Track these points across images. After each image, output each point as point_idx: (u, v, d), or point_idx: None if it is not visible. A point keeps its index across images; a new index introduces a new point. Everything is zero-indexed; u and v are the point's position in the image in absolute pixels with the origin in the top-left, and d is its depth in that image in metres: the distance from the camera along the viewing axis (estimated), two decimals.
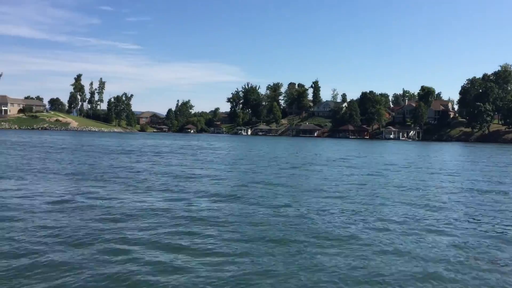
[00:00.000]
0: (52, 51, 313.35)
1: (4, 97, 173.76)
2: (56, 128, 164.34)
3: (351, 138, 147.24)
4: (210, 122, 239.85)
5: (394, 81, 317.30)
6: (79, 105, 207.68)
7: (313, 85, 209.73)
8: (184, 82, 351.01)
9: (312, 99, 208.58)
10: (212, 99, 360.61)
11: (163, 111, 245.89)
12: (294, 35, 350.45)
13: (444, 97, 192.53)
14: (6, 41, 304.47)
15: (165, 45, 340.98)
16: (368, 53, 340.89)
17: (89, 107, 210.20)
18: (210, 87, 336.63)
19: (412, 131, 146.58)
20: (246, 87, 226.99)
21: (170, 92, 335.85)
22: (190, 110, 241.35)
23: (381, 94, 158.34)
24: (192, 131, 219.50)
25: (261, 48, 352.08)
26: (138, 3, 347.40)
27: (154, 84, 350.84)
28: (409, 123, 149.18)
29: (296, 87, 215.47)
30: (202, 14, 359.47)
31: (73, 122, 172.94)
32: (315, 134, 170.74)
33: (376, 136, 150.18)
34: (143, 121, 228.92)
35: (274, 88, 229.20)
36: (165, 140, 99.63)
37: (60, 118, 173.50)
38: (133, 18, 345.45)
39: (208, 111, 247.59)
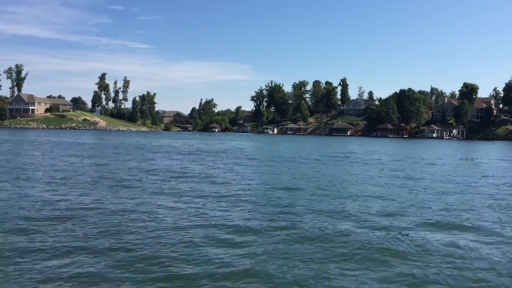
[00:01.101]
0: (64, 51, 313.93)
1: (31, 96, 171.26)
2: (84, 128, 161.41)
3: (390, 137, 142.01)
4: (234, 121, 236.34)
5: (417, 79, 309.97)
6: (103, 104, 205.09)
7: (341, 83, 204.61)
8: (195, 81, 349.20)
9: (340, 97, 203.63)
10: (224, 97, 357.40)
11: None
12: (305, 33, 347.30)
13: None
14: (19, 41, 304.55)
15: (175, 44, 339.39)
16: (387, 51, 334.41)
17: (113, 106, 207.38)
18: (221, 85, 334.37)
19: (455, 130, 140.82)
20: (270, 85, 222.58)
21: (181, 91, 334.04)
22: (214, 109, 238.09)
23: (420, 92, 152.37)
24: (216, 130, 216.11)
25: (271, 46, 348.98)
26: (149, 2, 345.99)
27: (164, 83, 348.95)
28: (451, 122, 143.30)
29: (324, 85, 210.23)
30: (212, 13, 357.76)
31: (101, 121, 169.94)
32: (348, 133, 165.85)
33: (416, 135, 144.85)
34: (166, 120, 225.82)
35: (300, 86, 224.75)
36: (205, 140, 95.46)
37: (88, 118, 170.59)
38: (143, 17, 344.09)
39: (224, 109, 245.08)
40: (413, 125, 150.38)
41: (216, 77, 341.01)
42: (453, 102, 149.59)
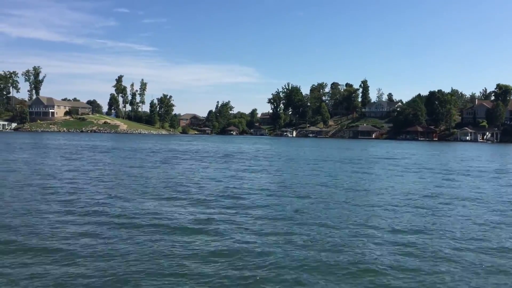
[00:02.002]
0: (70, 54, 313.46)
1: (50, 99, 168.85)
2: (105, 131, 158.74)
3: (420, 140, 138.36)
4: (250, 124, 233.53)
5: (435, 81, 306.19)
6: (121, 107, 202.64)
7: (361, 84, 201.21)
8: (200, 84, 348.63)
9: (360, 99, 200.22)
10: (229, 100, 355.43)
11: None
12: (309, 36, 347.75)
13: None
14: (25, 44, 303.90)
15: (180, 46, 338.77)
16: (403, 53, 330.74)
17: (130, 109, 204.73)
18: (226, 88, 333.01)
19: (488, 133, 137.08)
20: (287, 87, 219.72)
21: (186, 94, 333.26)
22: (230, 112, 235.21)
23: (450, 93, 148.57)
24: (234, 133, 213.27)
25: (276, 49, 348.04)
26: (154, 5, 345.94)
27: (170, 85, 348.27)
28: (483, 124, 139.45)
29: (345, 87, 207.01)
30: (216, 15, 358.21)
31: (121, 124, 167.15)
32: (373, 136, 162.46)
33: (446, 138, 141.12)
34: (183, 123, 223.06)
35: (318, 89, 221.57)
36: (230, 143, 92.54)
37: (108, 121, 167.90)
38: (149, 20, 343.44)
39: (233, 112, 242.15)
40: (442, 127, 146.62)
41: (221, 79, 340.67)
42: (484, 104, 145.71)
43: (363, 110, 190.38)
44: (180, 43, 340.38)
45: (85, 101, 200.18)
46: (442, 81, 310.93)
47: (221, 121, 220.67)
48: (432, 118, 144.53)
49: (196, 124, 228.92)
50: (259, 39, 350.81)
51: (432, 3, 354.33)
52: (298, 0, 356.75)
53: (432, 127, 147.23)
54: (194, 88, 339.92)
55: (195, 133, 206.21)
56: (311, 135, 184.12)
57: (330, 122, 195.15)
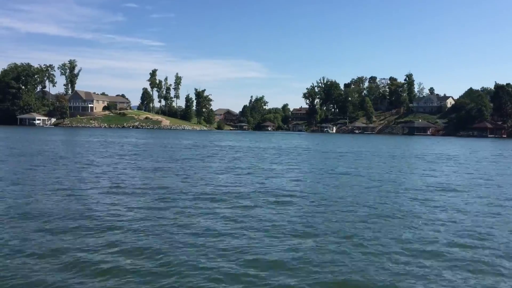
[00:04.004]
0: (79, 49, 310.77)
1: (88, 93, 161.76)
2: (148, 127, 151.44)
3: (489, 137, 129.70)
4: (284, 119, 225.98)
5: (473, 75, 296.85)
6: (155, 101, 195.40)
7: (406, 79, 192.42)
8: (208, 79, 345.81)
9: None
10: (237, 96, 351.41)
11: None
12: (318, 31, 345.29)
13: None
14: (34, 39, 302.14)
15: (188, 41, 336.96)
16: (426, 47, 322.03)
17: (164, 104, 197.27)
18: (234, 83, 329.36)
19: None
20: (322, 81, 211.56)
21: (193, 89, 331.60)
22: (265, 107, 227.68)
23: None
24: (270, 129, 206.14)
25: (284, 44, 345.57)
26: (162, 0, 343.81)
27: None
28: None
29: (388, 81, 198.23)
30: (224, 10, 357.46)
31: (164, 120, 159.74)
32: (428, 132, 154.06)
33: None
34: (217, 118, 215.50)
35: (358, 83, 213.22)
36: (285, 140, 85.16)
37: (149, 116, 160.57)
38: (157, 15, 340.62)
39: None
40: (510, 123, 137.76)
41: (228, 74, 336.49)
42: None
43: (411, 105, 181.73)
44: (188, 38, 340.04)
45: None
46: (489, 75, 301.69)
47: (255, 117, 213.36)
48: (500, 113, 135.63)
49: (230, 120, 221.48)
50: (267, 34, 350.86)
51: None
52: None
53: (500, 123, 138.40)
54: (202, 83, 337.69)
55: (230, 129, 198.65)
56: (357, 131, 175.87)
57: (373, 118, 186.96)
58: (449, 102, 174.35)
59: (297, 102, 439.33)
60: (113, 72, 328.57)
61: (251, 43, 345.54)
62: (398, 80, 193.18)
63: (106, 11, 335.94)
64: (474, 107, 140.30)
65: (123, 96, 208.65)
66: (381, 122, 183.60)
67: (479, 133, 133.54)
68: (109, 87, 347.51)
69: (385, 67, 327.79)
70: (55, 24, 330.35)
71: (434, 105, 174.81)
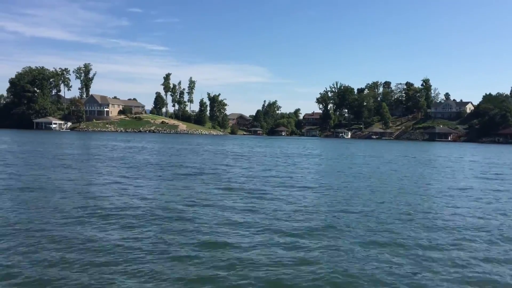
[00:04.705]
0: (83, 53, 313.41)
1: (104, 97, 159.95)
2: (165, 131, 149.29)
3: None
4: (297, 124, 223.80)
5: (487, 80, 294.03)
6: (168, 106, 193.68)
7: (423, 84, 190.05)
8: (212, 83, 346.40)
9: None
10: (242, 100, 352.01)
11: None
12: (322, 35, 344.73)
13: None
14: (39, 43, 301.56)
15: (192, 46, 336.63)
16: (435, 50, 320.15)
17: (177, 108, 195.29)
18: (238, 88, 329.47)
19: None
20: (336, 86, 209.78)
21: (198, 93, 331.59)
22: (278, 111, 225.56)
23: None
24: (284, 134, 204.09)
25: (288, 49, 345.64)
26: (166, 4, 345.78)
27: (182, 85, 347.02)
28: None
29: (405, 86, 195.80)
30: (228, 15, 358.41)
31: (180, 124, 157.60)
32: (449, 138, 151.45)
33: None
34: (230, 123, 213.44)
35: (373, 87, 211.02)
36: (307, 146, 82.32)
37: (166, 120, 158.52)
38: (161, 19, 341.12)
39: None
40: None
41: (232, 79, 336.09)
42: None
43: (429, 110, 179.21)
44: (192, 43, 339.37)
45: None
46: (504, 80, 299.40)
47: (268, 121, 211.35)
48: None
49: (243, 124, 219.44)
50: (270, 39, 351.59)
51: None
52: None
53: None
54: (206, 88, 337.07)
55: (244, 134, 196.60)
56: (374, 136, 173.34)
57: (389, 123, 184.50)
58: (468, 108, 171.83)
59: (301, 106, 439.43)
60: (117, 76, 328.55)
61: (255, 48, 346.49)
62: (415, 85, 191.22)
63: (111, 16, 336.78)
64: (498, 112, 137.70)
65: (135, 100, 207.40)
66: (398, 127, 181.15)
67: (505, 139, 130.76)
68: (114, 91, 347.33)
69: (393, 72, 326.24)
70: (60, 28, 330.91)
71: (453, 110, 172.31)
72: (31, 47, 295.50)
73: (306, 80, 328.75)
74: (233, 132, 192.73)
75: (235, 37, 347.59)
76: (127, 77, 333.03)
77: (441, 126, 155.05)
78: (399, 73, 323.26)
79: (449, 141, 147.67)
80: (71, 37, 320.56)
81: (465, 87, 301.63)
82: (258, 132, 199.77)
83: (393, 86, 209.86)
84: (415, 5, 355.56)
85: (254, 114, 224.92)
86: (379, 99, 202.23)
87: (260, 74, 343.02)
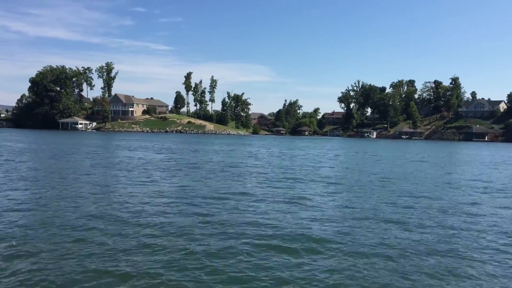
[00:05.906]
0: (87, 52, 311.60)
1: (128, 97, 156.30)
2: (192, 131, 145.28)
3: None
4: (320, 124, 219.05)
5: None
6: (191, 105, 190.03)
7: (452, 82, 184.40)
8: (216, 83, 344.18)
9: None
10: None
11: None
12: (324, 34, 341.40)
13: None
14: (43, 43, 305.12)
15: (196, 45, 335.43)
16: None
17: (199, 107, 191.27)
18: (242, 87, 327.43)
19: None
20: (358, 85, 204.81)
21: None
22: (299, 111, 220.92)
23: None
24: (306, 133, 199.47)
25: (291, 48, 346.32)
26: (170, 4, 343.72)
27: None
28: None
29: (433, 84, 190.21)
30: (231, 14, 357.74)
31: (208, 124, 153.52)
32: (486, 138, 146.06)
33: None
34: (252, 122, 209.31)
35: (398, 86, 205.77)
36: (358, 148, 77.57)
37: (192, 120, 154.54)
38: (165, 19, 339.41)
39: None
40: None
41: (236, 78, 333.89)
42: None
43: (460, 110, 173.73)
44: (195, 42, 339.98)
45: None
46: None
47: (290, 121, 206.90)
48: None
49: (264, 124, 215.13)
50: (273, 38, 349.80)
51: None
52: None
53: None
54: (209, 87, 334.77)
55: (266, 133, 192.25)
56: (404, 136, 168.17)
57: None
58: (502, 107, 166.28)
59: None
60: (121, 75, 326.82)
61: (258, 47, 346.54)
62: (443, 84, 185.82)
63: (114, 15, 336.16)
64: None
65: (151, 99, 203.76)
66: (427, 127, 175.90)
67: None
68: (119, 90, 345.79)
69: (408, 71, 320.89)
70: (63, 28, 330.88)
71: (486, 109, 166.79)
72: (36, 46, 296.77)
73: (310, 79, 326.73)
74: (255, 132, 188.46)
75: (238, 36, 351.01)
76: (131, 76, 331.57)
77: (477, 126, 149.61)
78: (405, 73, 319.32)
79: (486, 141, 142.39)
80: (75, 36, 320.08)
81: (489, 86, 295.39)
82: (282, 132, 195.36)
83: (417, 84, 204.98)
84: (415, 5, 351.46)
85: (274, 113, 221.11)
86: (406, 97, 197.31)
87: (264, 73, 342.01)
